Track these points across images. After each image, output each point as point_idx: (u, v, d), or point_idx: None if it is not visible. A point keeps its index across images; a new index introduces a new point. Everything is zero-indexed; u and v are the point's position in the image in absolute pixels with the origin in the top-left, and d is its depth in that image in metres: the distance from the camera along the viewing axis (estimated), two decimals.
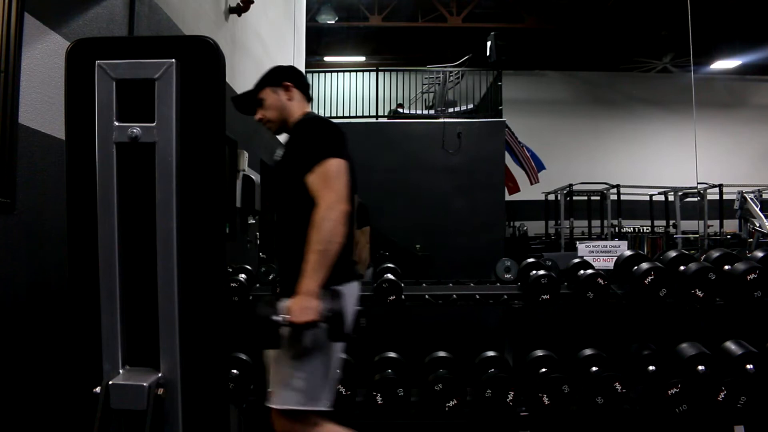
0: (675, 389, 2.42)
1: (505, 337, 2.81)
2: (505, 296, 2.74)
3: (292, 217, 1.67)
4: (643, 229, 10.42)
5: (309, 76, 9.32)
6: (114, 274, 0.94)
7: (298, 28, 7.79)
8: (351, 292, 1.68)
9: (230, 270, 2.81)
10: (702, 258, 2.80)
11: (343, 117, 9.27)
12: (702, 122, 9.14)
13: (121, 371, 0.94)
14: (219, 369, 1.02)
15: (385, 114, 9.59)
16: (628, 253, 2.82)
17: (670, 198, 9.34)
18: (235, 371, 2.49)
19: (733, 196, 8.12)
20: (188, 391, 0.95)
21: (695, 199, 8.67)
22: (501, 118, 8.98)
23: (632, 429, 2.51)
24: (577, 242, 4.51)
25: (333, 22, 10.68)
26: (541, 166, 9.83)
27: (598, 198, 9.71)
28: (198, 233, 0.99)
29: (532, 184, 9.72)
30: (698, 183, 7.48)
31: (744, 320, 2.77)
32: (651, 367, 2.55)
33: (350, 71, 9.98)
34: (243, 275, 2.80)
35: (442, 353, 2.71)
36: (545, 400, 2.45)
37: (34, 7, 2.05)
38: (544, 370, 2.57)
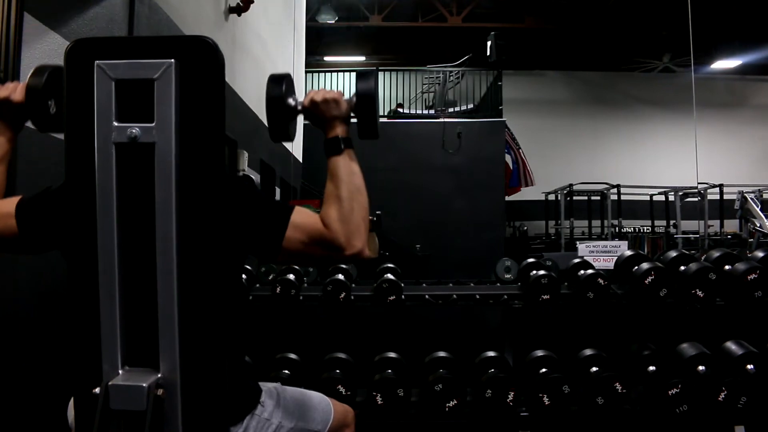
0: (675, 389, 2.41)
1: (505, 337, 2.80)
2: (505, 296, 2.73)
3: None
4: (643, 229, 10.42)
5: (309, 76, 9.34)
6: (113, 275, 0.94)
7: (298, 28, 7.79)
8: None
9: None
10: (702, 258, 2.80)
11: None
12: (702, 122, 9.14)
13: (120, 372, 0.94)
14: (219, 369, 1.02)
15: (385, 114, 9.58)
16: (629, 253, 2.82)
17: (671, 198, 9.33)
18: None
19: (734, 196, 8.11)
20: (188, 392, 0.95)
21: (695, 199, 8.66)
22: (501, 118, 8.99)
23: (632, 429, 2.50)
24: (577, 242, 4.51)
25: (333, 21, 10.67)
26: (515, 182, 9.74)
27: (599, 198, 9.71)
28: (197, 233, 0.99)
29: (520, 188, 9.70)
30: (699, 183, 7.46)
31: (744, 320, 2.76)
32: (651, 367, 2.55)
33: (350, 71, 9.98)
34: (243, 275, 2.80)
35: (442, 353, 2.71)
36: (545, 400, 2.45)
37: (34, 7, 2.05)
38: (544, 370, 2.56)
